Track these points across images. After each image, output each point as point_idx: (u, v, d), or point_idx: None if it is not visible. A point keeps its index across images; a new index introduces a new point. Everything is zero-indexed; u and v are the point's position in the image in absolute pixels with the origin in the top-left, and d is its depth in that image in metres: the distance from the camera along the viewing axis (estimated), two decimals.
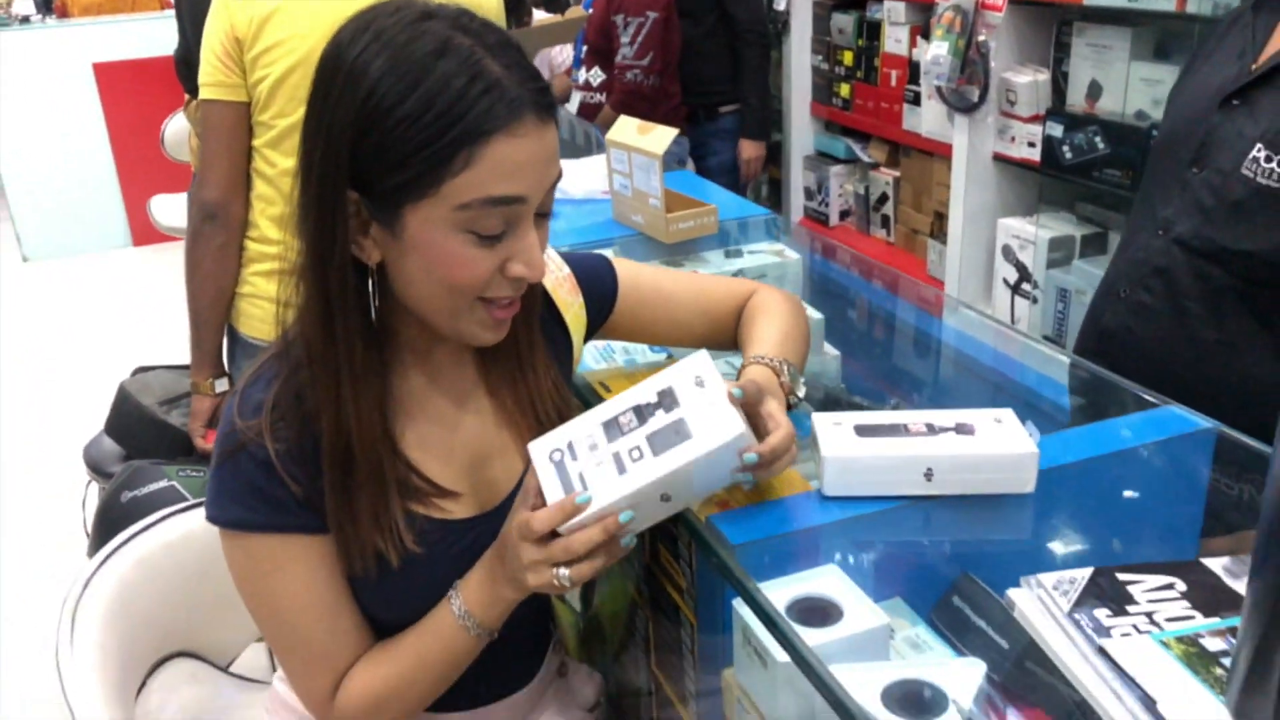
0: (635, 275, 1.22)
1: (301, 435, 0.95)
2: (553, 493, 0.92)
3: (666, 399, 0.93)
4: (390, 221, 0.89)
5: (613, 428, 0.93)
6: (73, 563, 1.30)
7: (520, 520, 0.91)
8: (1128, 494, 1.11)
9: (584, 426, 0.94)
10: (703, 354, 0.95)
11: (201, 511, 1.35)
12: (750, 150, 3.68)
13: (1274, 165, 1.36)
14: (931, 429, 1.02)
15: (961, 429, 1.01)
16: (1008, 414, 1.04)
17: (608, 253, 1.25)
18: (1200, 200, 1.45)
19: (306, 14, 1.72)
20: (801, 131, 3.94)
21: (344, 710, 1.01)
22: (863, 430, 1.02)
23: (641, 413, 0.93)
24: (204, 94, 1.79)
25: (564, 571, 0.91)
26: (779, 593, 0.91)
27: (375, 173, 0.87)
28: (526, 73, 0.89)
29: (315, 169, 0.90)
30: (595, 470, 0.91)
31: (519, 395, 1.07)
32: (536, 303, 1.07)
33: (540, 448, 0.95)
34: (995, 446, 0.99)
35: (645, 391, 0.94)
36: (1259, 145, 1.38)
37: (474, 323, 0.94)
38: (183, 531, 1.34)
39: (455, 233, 0.88)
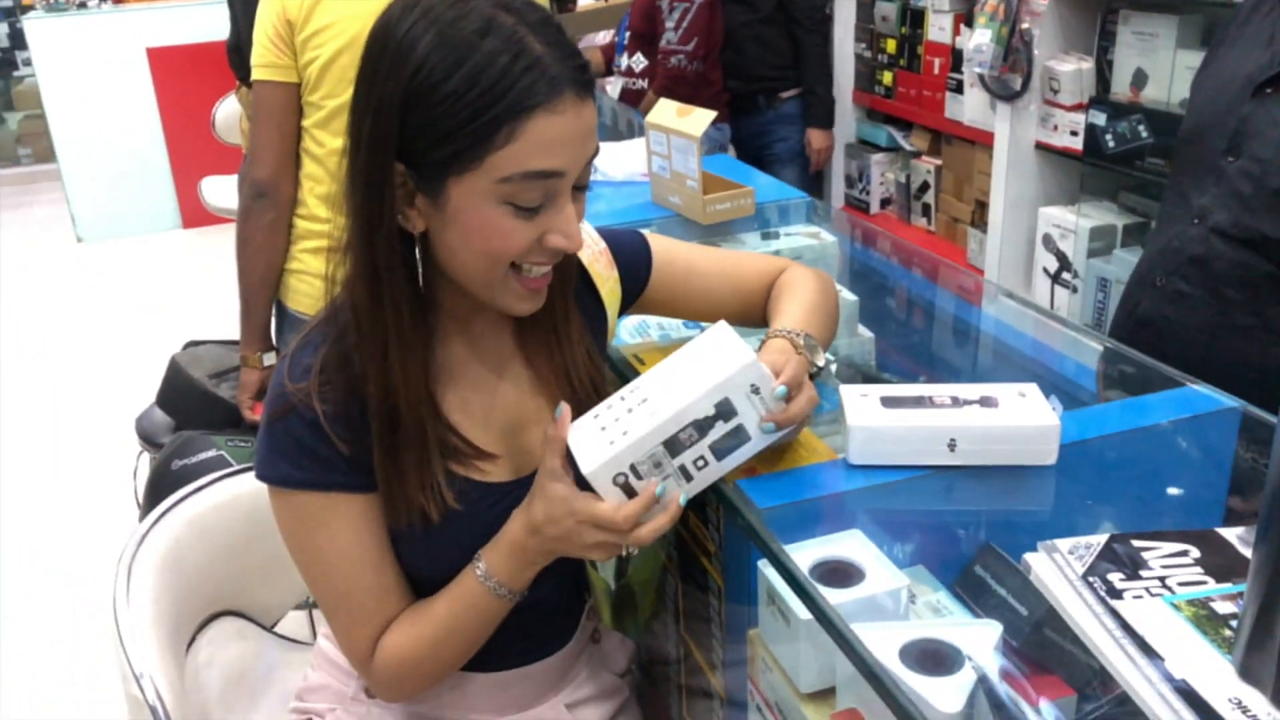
0: (669, 251, 1.25)
1: (348, 397, 0.99)
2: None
3: (724, 411, 0.96)
4: (435, 193, 0.93)
5: (674, 444, 0.96)
6: (125, 529, 1.36)
7: (593, 513, 0.95)
8: (1159, 481, 1.13)
9: (643, 446, 0.95)
10: (750, 362, 0.96)
11: (249, 477, 1.42)
12: (819, 140, 3.67)
13: None
14: (956, 401, 1.04)
15: (986, 402, 1.03)
16: (1032, 388, 1.06)
17: (646, 232, 1.28)
18: (1238, 189, 1.45)
19: (353, 2, 1.77)
20: (844, 119, 3.94)
21: (380, 668, 1.06)
22: (889, 402, 1.05)
23: (701, 427, 0.96)
24: (256, 75, 1.84)
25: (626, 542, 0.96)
26: (803, 555, 0.94)
27: (421, 146, 0.91)
28: (566, 50, 0.92)
29: (364, 142, 0.94)
30: (665, 484, 0.97)
31: (554, 365, 1.10)
32: (573, 276, 1.11)
33: (599, 476, 0.95)
34: (1017, 418, 1.01)
35: (699, 407, 0.95)
36: None
37: (508, 292, 0.98)
38: (232, 494, 1.39)
39: (496, 205, 0.92)
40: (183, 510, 1.34)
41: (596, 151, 0.97)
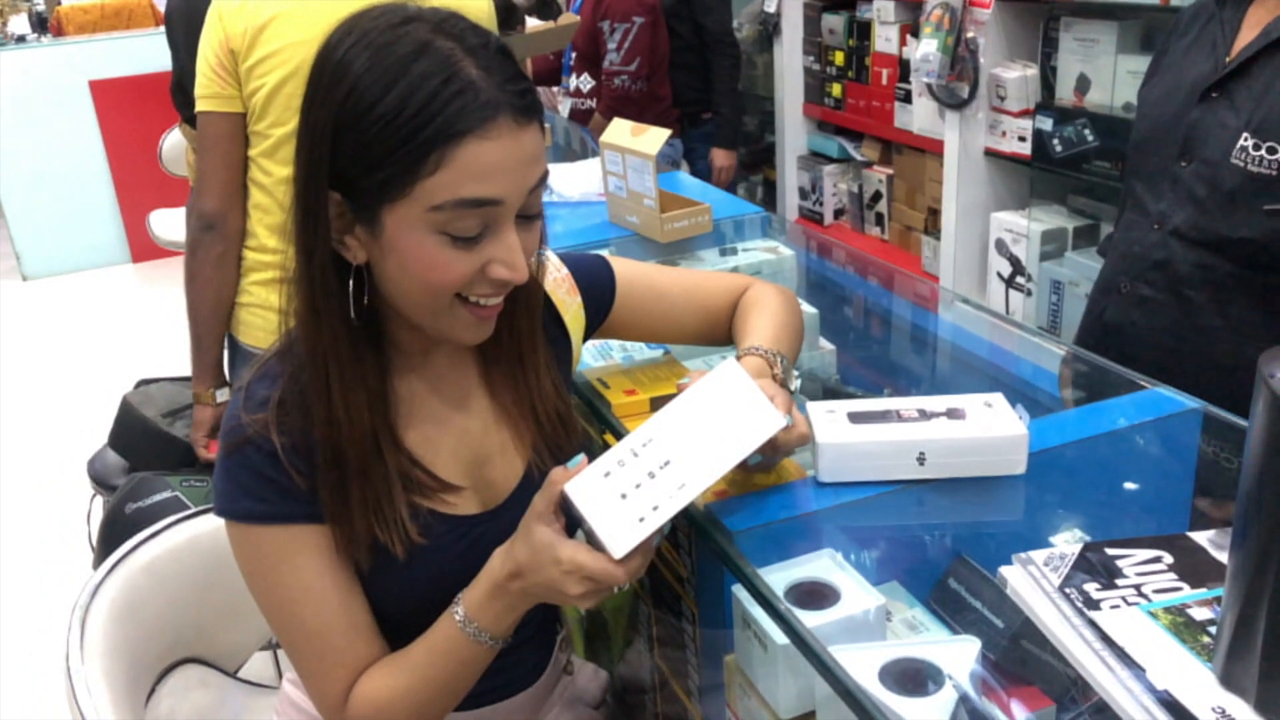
0: (632, 274, 1.24)
1: (306, 432, 0.96)
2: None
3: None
4: (370, 221, 0.91)
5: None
6: (79, 577, 1.32)
7: (580, 563, 0.89)
8: (1127, 484, 1.13)
9: (667, 519, 0.89)
10: (777, 424, 0.93)
11: (207, 518, 1.38)
12: (722, 159, 3.77)
13: (1263, 153, 1.38)
14: (923, 414, 1.03)
15: (953, 414, 1.03)
16: (998, 398, 1.06)
17: (604, 253, 1.27)
18: (1193, 192, 1.47)
19: (300, 24, 1.74)
20: (794, 131, 3.96)
21: (355, 717, 1.01)
22: (856, 417, 1.04)
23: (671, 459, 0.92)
24: (200, 106, 1.81)
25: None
26: (776, 577, 0.92)
27: (353, 173, 0.89)
28: (506, 74, 0.89)
29: (301, 169, 0.92)
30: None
31: (519, 396, 1.08)
32: (537, 305, 1.08)
33: (629, 556, 0.88)
34: (986, 429, 1.01)
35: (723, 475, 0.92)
36: (1245, 134, 1.40)
37: (455, 321, 0.95)
38: (189, 537, 1.35)
39: (430, 234, 0.89)
40: (138, 557, 1.30)
41: (543, 178, 0.94)
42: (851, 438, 1.02)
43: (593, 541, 0.89)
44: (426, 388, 1.05)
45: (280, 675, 1.71)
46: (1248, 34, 1.47)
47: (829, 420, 1.04)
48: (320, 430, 0.95)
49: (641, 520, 0.87)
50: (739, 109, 3.87)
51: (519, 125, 0.89)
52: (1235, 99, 1.44)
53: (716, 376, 0.96)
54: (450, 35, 0.89)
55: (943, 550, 1.06)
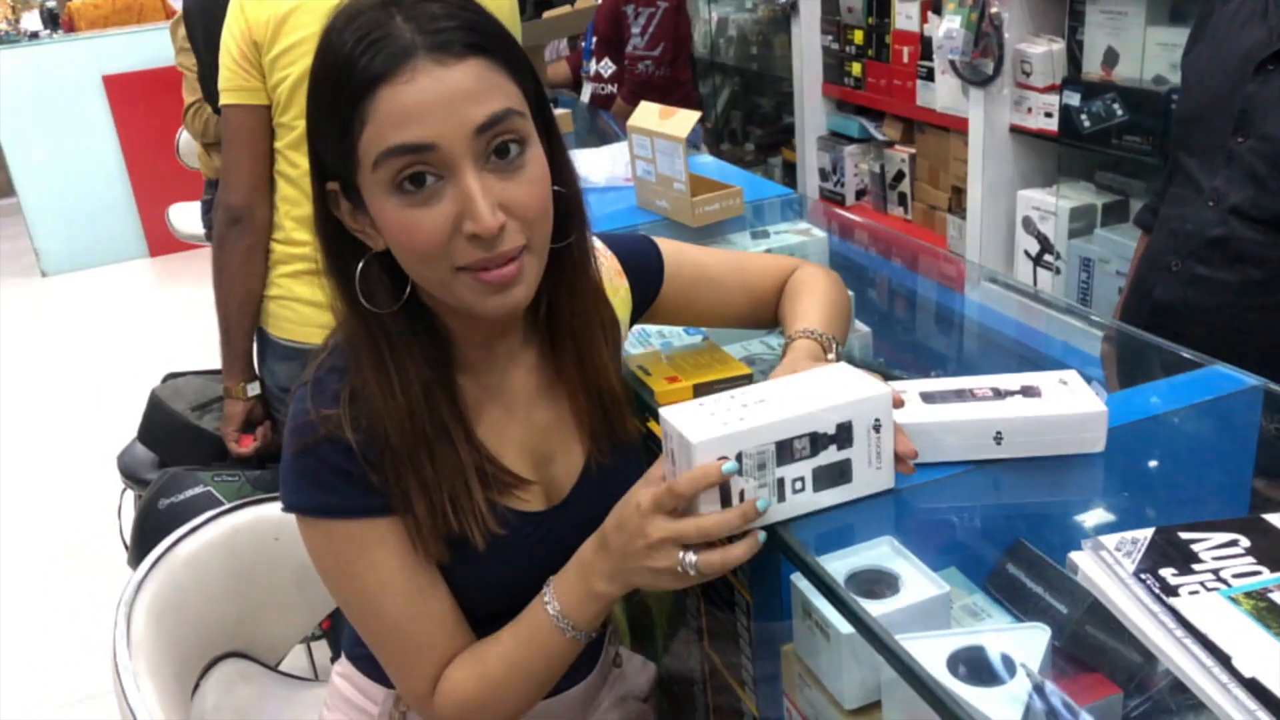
0: (679, 256, 1.21)
1: (379, 424, 0.94)
2: (709, 502, 0.89)
3: (843, 435, 0.92)
4: (359, 202, 0.90)
5: (786, 450, 0.90)
6: (112, 572, 1.31)
7: (655, 492, 0.88)
8: (1190, 465, 1.11)
9: (757, 437, 0.89)
10: (885, 394, 0.93)
11: (246, 512, 1.38)
12: None
13: None
14: (998, 393, 1.01)
15: (1028, 391, 1.01)
16: (1072, 375, 1.03)
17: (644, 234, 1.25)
18: (1253, 169, 1.43)
19: (321, 13, 1.71)
20: (814, 112, 3.92)
21: (442, 710, 0.99)
22: (929, 397, 1.02)
23: (816, 442, 0.91)
24: (224, 99, 1.80)
25: (691, 557, 0.87)
26: (836, 565, 0.90)
27: (325, 154, 0.89)
28: (431, 17, 0.85)
29: (310, 163, 0.93)
30: (758, 491, 0.90)
31: (586, 386, 1.05)
32: (599, 297, 1.05)
33: (706, 449, 0.88)
34: (1065, 407, 0.99)
35: (824, 419, 0.91)
36: None
37: (468, 291, 0.90)
38: (228, 531, 1.35)
39: (388, 197, 0.87)
40: (179, 552, 1.30)
41: (499, 116, 0.86)
42: (928, 417, 0.99)
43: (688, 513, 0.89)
44: (492, 384, 1.03)
45: (315, 670, 1.71)
46: None
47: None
48: (387, 423, 0.93)
49: (725, 425, 0.87)
50: None
51: (440, 64, 0.84)
52: None
53: (825, 368, 0.98)
54: (398, 4, 0.86)
55: (1000, 534, 1.04)
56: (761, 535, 0.90)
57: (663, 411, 0.91)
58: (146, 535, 1.89)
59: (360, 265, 0.93)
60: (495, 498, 0.99)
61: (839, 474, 0.92)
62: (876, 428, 0.93)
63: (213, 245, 1.89)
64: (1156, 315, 1.58)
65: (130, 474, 2.29)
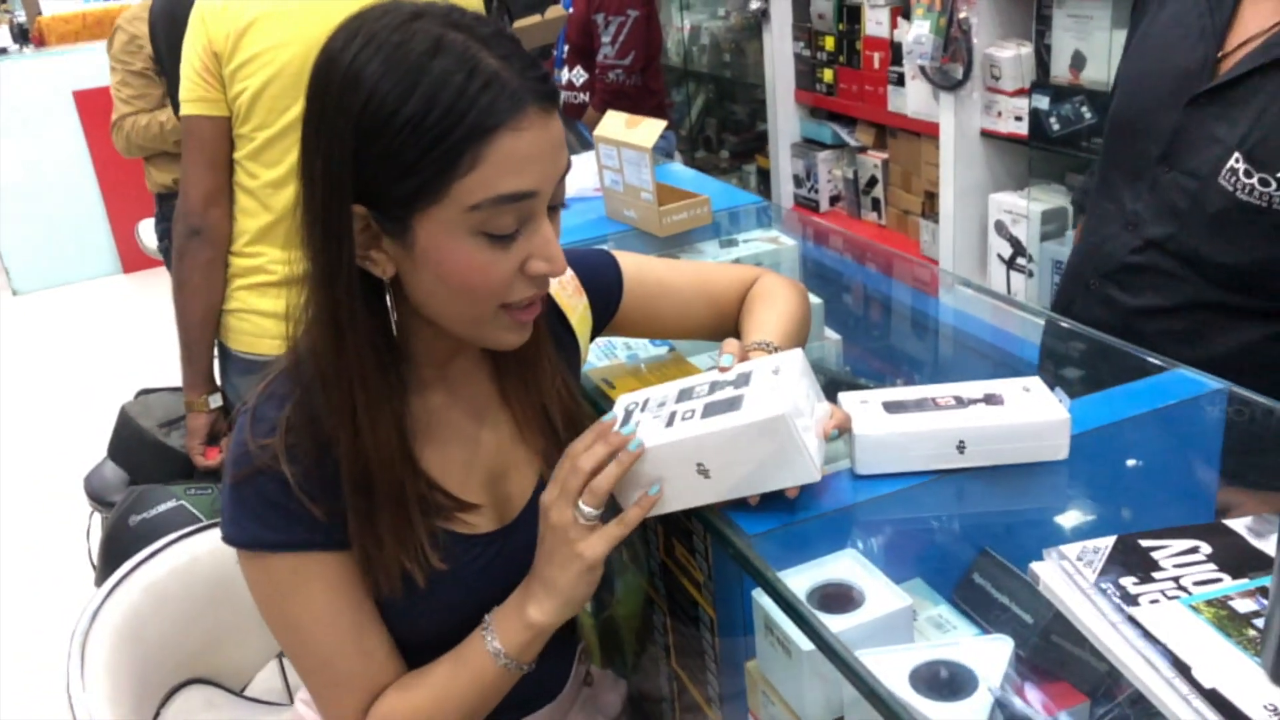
0: (639, 269, 1.20)
1: (320, 459, 0.92)
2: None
3: (741, 379, 0.95)
4: (400, 233, 0.87)
5: (686, 394, 0.96)
6: (80, 596, 1.29)
7: (558, 482, 0.92)
8: (1154, 470, 1.10)
9: (668, 388, 0.99)
10: (798, 352, 0.98)
11: (207, 535, 1.35)
12: None
13: (1255, 182, 1.27)
14: (960, 401, 1.00)
15: (991, 399, 1.00)
16: (1035, 382, 1.02)
17: (606, 247, 1.24)
18: (1174, 203, 1.36)
19: (284, 25, 1.72)
20: (787, 119, 3.92)
21: None
22: (891, 407, 1.01)
23: (715, 386, 0.96)
24: (185, 110, 1.79)
25: (586, 508, 0.90)
26: (798, 580, 0.89)
27: (381, 183, 0.85)
28: (524, 62, 0.86)
29: (318, 184, 0.87)
30: (650, 422, 0.94)
31: (531, 403, 1.04)
32: (544, 311, 1.03)
33: (623, 399, 1.00)
34: (1027, 415, 0.98)
35: (732, 371, 0.98)
36: (1236, 155, 1.29)
37: (499, 328, 0.92)
38: (189, 556, 1.33)
39: (468, 237, 0.86)
40: (137, 578, 1.27)
41: (569, 167, 0.91)
42: (890, 428, 0.98)
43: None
44: (443, 402, 1.01)
45: (290, 690, 1.68)
46: (1243, 28, 1.34)
47: (864, 410, 1.00)
48: (347, 459, 0.91)
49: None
50: None
51: (545, 113, 0.86)
52: (1228, 110, 1.31)
53: (775, 359, 0.98)
54: (461, 28, 0.85)
55: (965, 545, 1.03)
56: (634, 443, 0.92)
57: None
58: (116, 555, 1.85)
59: (384, 296, 0.92)
60: (439, 525, 0.97)
61: (729, 406, 0.92)
62: (775, 372, 0.94)
63: (174, 257, 1.87)
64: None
65: (97, 496, 2.25)
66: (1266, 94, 1.28)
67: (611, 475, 0.90)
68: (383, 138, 0.83)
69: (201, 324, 1.87)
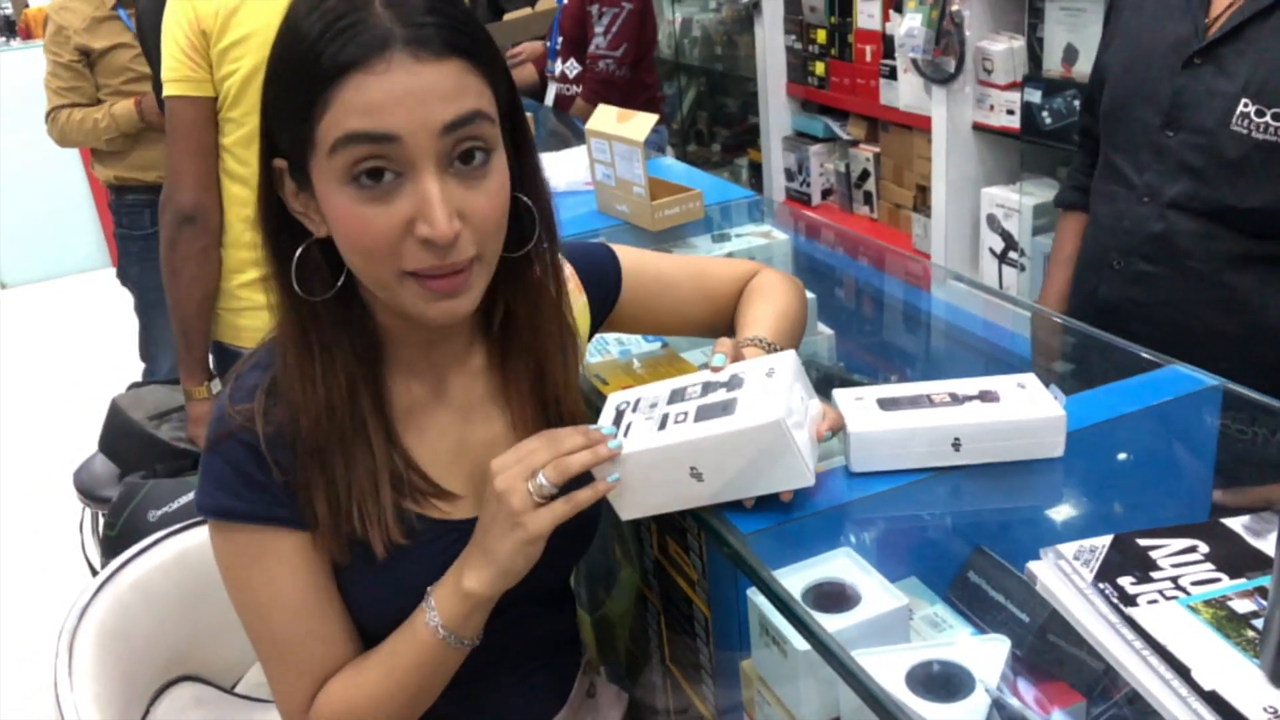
0: (639, 264, 1.18)
1: (291, 418, 0.92)
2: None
3: (734, 381, 0.94)
4: (306, 185, 0.87)
5: (678, 395, 0.96)
6: (70, 590, 1.28)
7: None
8: (1149, 468, 1.10)
9: (659, 388, 0.99)
10: (791, 354, 0.98)
11: (196, 531, 1.34)
12: None
13: (1268, 119, 1.33)
14: (955, 398, 0.99)
15: (986, 396, 0.99)
16: (1030, 378, 1.02)
17: (601, 241, 1.23)
18: (1186, 162, 1.42)
19: (274, 6, 1.68)
20: (779, 112, 3.91)
21: None
22: (886, 404, 1.00)
23: (707, 388, 0.95)
24: (169, 90, 1.73)
25: (545, 480, 0.88)
26: (793, 579, 0.89)
27: (278, 132, 0.87)
28: (415, 9, 0.82)
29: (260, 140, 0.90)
30: (642, 423, 0.93)
31: (535, 404, 1.03)
32: (560, 313, 1.02)
33: (614, 398, 1.00)
34: (1023, 412, 0.97)
35: (725, 373, 0.97)
36: (1244, 101, 1.35)
37: (412, 296, 0.87)
38: (177, 552, 1.31)
39: (341, 187, 0.83)
40: (125, 575, 1.26)
41: (468, 118, 0.83)
42: (884, 425, 0.97)
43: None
44: (428, 393, 1.00)
45: None
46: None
47: (858, 408, 1.00)
48: (301, 415, 0.91)
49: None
50: None
51: (418, 59, 0.81)
52: (1225, 64, 1.38)
53: (769, 360, 0.97)
54: None
55: (960, 543, 1.02)
56: (614, 442, 0.90)
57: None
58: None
59: (300, 250, 0.90)
60: (408, 505, 0.96)
61: (722, 410, 0.91)
62: (769, 374, 0.93)
63: (163, 249, 1.83)
64: (1104, 315, 1.56)
65: (87, 491, 2.23)
66: (1263, 40, 1.35)
67: (585, 460, 0.89)
68: (272, 84, 0.86)
69: (198, 312, 1.84)
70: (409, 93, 0.81)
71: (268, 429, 0.91)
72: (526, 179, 0.94)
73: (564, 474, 0.88)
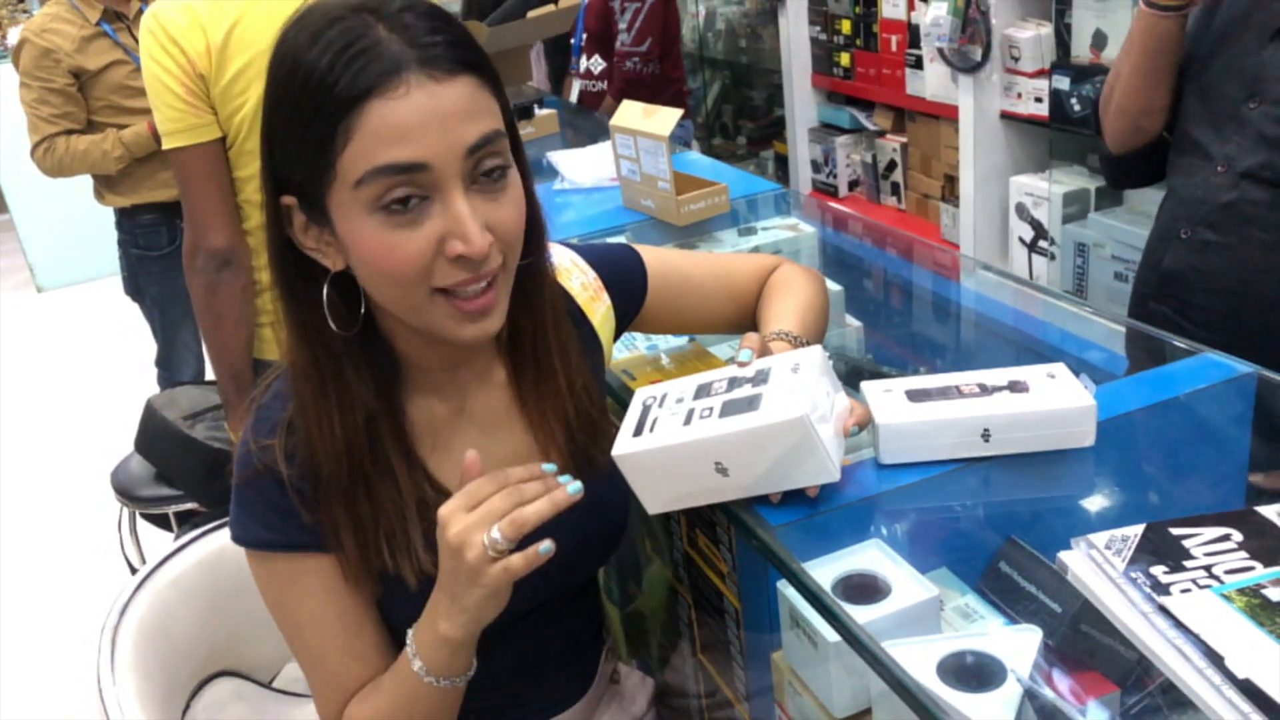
0: (664, 265, 1.18)
1: (312, 459, 0.93)
2: (626, 427, 0.96)
3: (760, 377, 0.94)
4: (323, 220, 0.86)
5: (704, 390, 0.96)
6: (109, 588, 1.30)
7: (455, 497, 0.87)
8: (1183, 456, 1.09)
9: (685, 383, 0.99)
10: (817, 349, 0.98)
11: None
12: None
13: None
14: (985, 389, 0.99)
15: (1015, 387, 0.99)
16: (1060, 368, 1.01)
17: (620, 239, 1.23)
18: (1264, 133, 1.44)
19: (262, 27, 1.62)
20: (804, 104, 3.90)
21: None
22: (914, 395, 1.00)
23: (733, 383, 0.95)
24: (174, 142, 1.68)
25: (499, 536, 0.84)
26: (823, 571, 0.89)
27: (289, 169, 0.85)
28: (421, 30, 0.82)
29: (263, 178, 0.88)
30: (668, 419, 0.94)
31: (551, 416, 1.02)
32: (557, 318, 1.01)
33: (640, 394, 1.01)
34: (1053, 402, 0.97)
35: (751, 368, 0.97)
36: None
37: (443, 317, 0.87)
38: (215, 549, 1.33)
39: (368, 216, 0.83)
40: (165, 572, 1.28)
41: (490, 137, 0.84)
42: (913, 416, 0.97)
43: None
44: (451, 410, 1.00)
45: None
46: None
47: (887, 400, 1.00)
48: (321, 459, 0.92)
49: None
50: None
51: (434, 80, 0.80)
52: None
53: (794, 355, 0.97)
54: (373, 9, 0.82)
55: (991, 533, 1.02)
56: (572, 487, 0.87)
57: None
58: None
59: (324, 288, 0.89)
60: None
61: (747, 405, 0.90)
62: (795, 370, 0.93)
63: (200, 293, 1.77)
64: (1165, 284, 1.58)
65: (124, 491, 2.27)
66: None
67: (542, 510, 0.85)
68: (278, 122, 0.84)
69: (246, 352, 1.81)
70: (431, 113, 0.81)
71: (291, 471, 0.92)
72: (525, 187, 0.94)
73: (520, 531, 0.84)
